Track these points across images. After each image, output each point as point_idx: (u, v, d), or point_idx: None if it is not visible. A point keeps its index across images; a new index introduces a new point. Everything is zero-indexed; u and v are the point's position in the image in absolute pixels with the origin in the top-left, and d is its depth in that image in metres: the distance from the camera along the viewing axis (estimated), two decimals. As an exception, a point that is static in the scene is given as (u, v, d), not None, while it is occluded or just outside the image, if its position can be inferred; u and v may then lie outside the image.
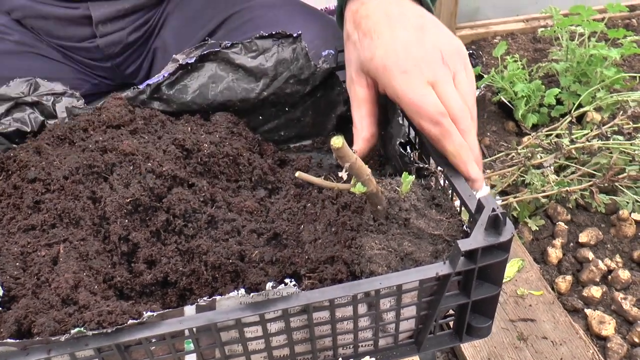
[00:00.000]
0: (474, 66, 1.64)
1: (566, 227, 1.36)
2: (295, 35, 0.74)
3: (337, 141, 0.48)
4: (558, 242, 1.34)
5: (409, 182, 0.55)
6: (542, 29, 1.65)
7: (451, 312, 0.59)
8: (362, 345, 0.56)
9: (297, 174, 0.49)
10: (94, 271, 0.56)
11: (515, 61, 1.55)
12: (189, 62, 0.72)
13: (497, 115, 1.64)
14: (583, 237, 1.34)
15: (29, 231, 0.58)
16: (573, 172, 1.37)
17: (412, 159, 0.65)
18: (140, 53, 1.12)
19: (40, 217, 0.58)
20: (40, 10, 1.04)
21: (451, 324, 0.60)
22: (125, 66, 1.13)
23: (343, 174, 0.49)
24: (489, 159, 1.43)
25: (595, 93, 1.43)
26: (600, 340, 1.18)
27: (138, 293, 0.59)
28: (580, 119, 1.49)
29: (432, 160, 0.63)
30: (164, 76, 0.72)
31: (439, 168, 0.61)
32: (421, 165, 0.62)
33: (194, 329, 0.49)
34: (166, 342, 0.49)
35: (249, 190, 0.69)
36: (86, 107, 0.72)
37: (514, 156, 1.41)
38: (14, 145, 0.71)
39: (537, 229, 1.37)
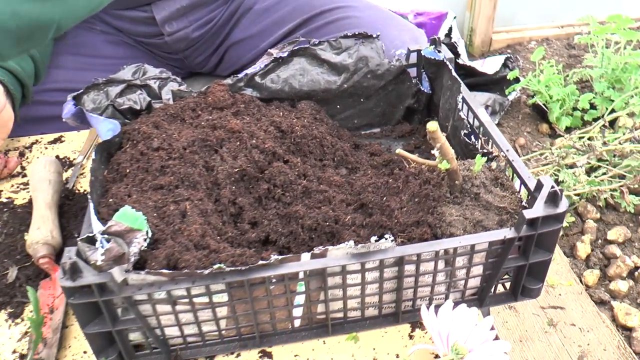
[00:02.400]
0: (512, 69, 1.77)
1: (595, 224, 1.48)
2: (374, 35, 0.87)
3: (433, 126, 0.61)
4: (587, 238, 1.47)
5: (481, 163, 0.69)
6: (578, 35, 1.77)
7: (506, 277, 0.72)
8: (436, 298, 0.69)
9: (398, 151, 0.62)
10: (212, 226, 0.70)
11: (552, 66, 1.67)
12: (282, 56, 0.86)
13: (531, 117, 1.76)
14: (611, 235, 1.46)
15: (158, 190, 0.71)
16: (604, 173, 1.49)
17: (476, 146, 0.78)
18: (207, 47, 1.26)
19: (167, 179, 0.71)
20: (115, 12, 1.18)
21: (507, 286, 0.73)
22: (192, 57, 1.27)
23: (435, 152, 0.62)
24: (524, 157, 1.56)
25: (628, 99, 1.55)
26: (626, 331, 1.30)
27: (244, 248, 0.72)
28: (612, 123, 1.62)
29: (494, 146, 0.76)
30: (260, 67, 0.85)
31: (502, 153, 0.74)
32: (486, 151, 0.75)
33: (308, 272, 0.62)
34: (284, 282, 0.62)
35: (333, 168, 0.82)
36: (190, 91, 0.85)
37: (547, 156, 1.53)
38: (127, 120, 0.85)
39: (568, 225, 1.49)
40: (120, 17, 1.18)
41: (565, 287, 1.39)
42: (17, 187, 0.96)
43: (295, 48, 0.86)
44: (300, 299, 0.65)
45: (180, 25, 1.18)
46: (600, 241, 1.49)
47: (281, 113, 0.84)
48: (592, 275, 1.41)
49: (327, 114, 0.90)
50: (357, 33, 0.87)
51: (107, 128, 0.78)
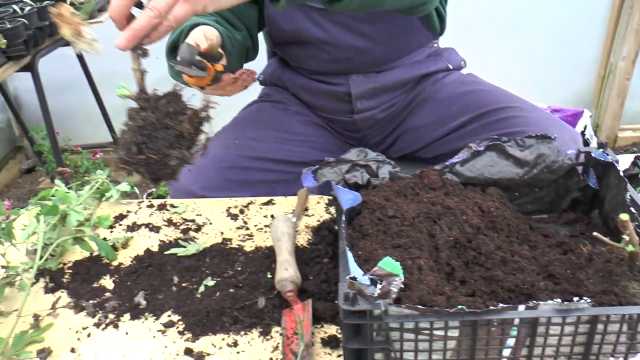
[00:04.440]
0: (640, 167, 2.02)
1: None
2: (552, 137, 1.17)
3: (625, 217, 0.89)
4: None
5: (654, 250, 0.96)
6: None
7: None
8: (616, 357, 0.95)
9: (594, 233, 0.91)
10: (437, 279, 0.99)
11: (681, 167, 1.91)
12: (479, 149, 1.17)
13: (658, 214, 1.99)
14: None
15: (396, 248, 1.02)
16: None
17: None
18: (385, 130, 1.60)
19: (403, 241, 1.02)
20: (313, 87, 1.54)
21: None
22: (370, 138, 1.61)
23: (625, 237, 0.90)
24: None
25: None
26: None
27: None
28: None
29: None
30: (461, 157, 1.17)
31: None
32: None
33: (522, 319, 0.89)
34: (503, 325, 0.90)
35: (517, 244, 1.10)
36: (406, 172, 1.17)
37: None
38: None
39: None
40: (318, 94, 1.54)
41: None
42: (243, 237, 1.30)
43: (490, 144, 1.17)
44: (510, 342, 0.93)
45: (369, 104, 1.52)
46: None
47: (478, 196, 1.14)
48: None
49: (508, 199, 1.19)
50: (538, 134, 1.17)
51: (348, 198, 1.10)
